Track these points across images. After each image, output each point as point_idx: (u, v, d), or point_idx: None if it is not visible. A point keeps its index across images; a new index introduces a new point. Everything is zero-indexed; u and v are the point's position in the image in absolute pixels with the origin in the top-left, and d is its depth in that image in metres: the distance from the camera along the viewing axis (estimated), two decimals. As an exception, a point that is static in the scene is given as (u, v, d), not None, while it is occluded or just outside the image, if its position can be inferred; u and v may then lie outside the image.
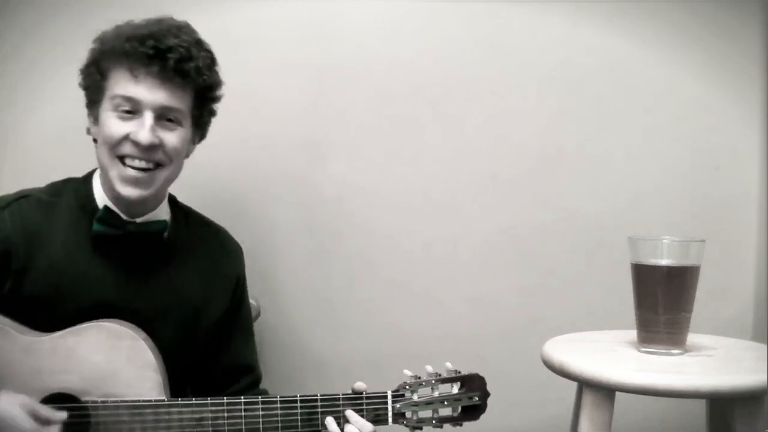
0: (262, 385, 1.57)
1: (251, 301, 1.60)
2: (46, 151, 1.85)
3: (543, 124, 1.83)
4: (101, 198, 1.42)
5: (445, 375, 1.36)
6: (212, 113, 1.49)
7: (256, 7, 1.85)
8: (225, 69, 1.46)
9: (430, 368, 1.37)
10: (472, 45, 1.83)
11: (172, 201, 1.51)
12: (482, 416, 1.37)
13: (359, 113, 1.85)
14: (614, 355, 1.36)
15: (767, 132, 1.78)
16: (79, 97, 1.42)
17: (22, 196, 1.41)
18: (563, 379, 1.31)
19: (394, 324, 1.85)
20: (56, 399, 1.31)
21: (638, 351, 1.36)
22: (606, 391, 1.25)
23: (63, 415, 1.27)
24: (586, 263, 1.82)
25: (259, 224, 1.84)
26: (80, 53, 1.40)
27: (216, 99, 1.47)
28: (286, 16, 1.84)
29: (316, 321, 1.87)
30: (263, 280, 1.70)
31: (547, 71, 1.82)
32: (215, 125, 1.52)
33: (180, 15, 1.44)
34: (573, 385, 1.39)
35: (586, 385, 1.27)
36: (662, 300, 1.33)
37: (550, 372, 1.34)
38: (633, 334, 1.39)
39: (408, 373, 1.36)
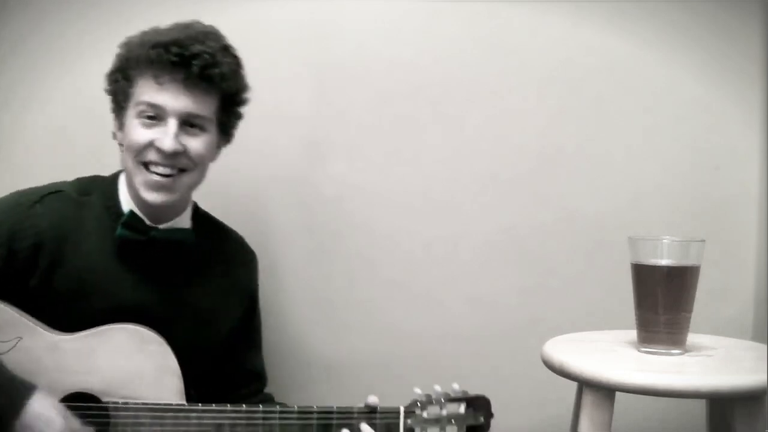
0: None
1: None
2: (46, 150, 1.85)
3: (543, 124, 1.83)
4: (126, 201, 1.42)
5: (452, 395, 1.39)
6: (238, 117, 1.49)
7: (256, 7, 1.85)
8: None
9: (438, 388, 1.40)
10: (472, 45, 1.83)
11: (194, 207, 1.52)
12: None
13: (359, 113, 1.85)
14: (614, 355, 1.35)
15: (767, 132, 1.78)
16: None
17: (55, 191, 1.40)
18: (563, 379, 1.31)
19: (394, 324, 1.85)
20: (77, 398, 1.32)
21: (638, 351, 1.36)
22: (606, 391, 1.25)
23: (90, 430, 1.29)
24: (586, 263, 1.81)
25: (259, 224, 1.84)
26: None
27: (242, 103, 1.48)
28: (286, 16, 1.84)
29: (316, 321, 1.86)
30: (263, 280, 1.70)
31: (547, 71, 1.82)
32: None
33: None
34: (573, 385, 1.39)
35: (586, 385, 1.27)
36: (662, 300, 1.33)
37: (550, 372, 1.34)
38: (633, 334, 1.39)
39: (418, 391, 1.39)
